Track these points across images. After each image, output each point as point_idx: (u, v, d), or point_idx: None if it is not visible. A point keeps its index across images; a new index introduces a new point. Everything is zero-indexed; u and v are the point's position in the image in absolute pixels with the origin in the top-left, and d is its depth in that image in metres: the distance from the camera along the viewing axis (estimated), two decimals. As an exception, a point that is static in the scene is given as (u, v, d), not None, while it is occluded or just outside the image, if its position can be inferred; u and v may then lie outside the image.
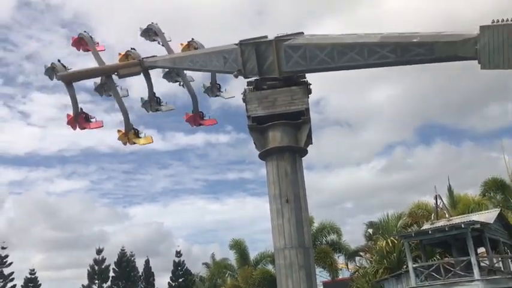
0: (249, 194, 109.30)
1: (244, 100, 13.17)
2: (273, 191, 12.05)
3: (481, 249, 24.33)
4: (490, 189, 34.39)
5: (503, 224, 25.34)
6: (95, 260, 54.36)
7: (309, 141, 12.75)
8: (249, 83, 13.04)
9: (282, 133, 12.33)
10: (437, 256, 27.79)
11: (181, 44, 16.12)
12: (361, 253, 36.35)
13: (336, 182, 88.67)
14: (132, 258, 56.64)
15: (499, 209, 26.18)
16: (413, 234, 24.21)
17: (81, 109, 15.82)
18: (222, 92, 17.96)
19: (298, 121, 12.35)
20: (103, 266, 54.38)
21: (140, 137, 16.40)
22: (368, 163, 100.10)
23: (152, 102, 17.17)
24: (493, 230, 23.21)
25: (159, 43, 17.15)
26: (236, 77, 14.15)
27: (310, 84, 12.71)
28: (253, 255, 39.42)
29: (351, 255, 37.31)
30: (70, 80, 15.14)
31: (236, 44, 12.53)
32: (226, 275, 42.45)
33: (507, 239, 25.53)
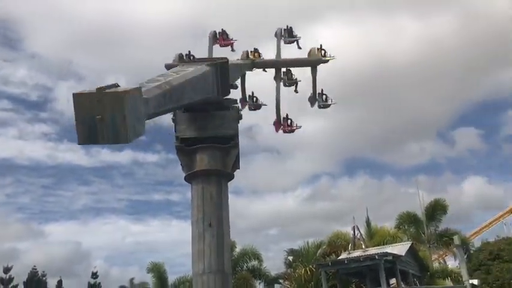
0: (174, 216, 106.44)
1: (173, 120, 13.08)
2: (196, 214, 11.90)
3: (393, 280, 25.44)
4: (405, 222, 36.33)
5: (414, 257, 26.72)
6: (1, 279, 50.73)
7: (236, 166, 12.83)
8: (179, 104, 13.01)
9: (210, 157, 12.30)
10: (353, 286, 28.66)
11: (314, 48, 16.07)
12: (280, 280, 36.58)
13: (263, 208, 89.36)
14: (44, 279, 53.38)
15: (411, 242, 27.61)
16: (330, 264, 24.87)
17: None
18: None
19: (226, 145, 12.43)
20: (10, 286, 50.87)
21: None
22: (294, 191, 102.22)
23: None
24: (404, 262, 24.36)
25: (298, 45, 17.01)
26: None
27: (241, 109, 12.94)
28: (173, 279, 38.41)
29: (270, 282, 37.37)
30: None
31: None
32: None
33: (417, 271, 26.93)
